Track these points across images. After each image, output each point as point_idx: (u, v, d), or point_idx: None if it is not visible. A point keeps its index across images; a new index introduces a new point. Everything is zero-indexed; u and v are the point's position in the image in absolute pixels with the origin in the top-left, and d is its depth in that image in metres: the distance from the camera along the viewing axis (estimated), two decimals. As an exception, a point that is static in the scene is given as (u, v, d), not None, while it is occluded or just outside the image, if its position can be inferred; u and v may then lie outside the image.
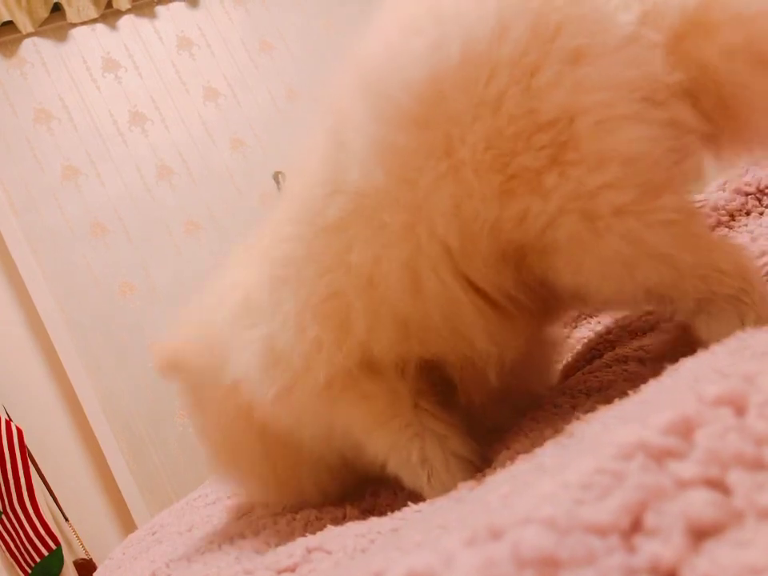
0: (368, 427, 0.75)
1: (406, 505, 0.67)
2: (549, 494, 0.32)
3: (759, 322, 0.64)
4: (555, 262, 0.65)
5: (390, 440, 0.74)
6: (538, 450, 0.57)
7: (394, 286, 0.67)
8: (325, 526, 0.71)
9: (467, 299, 0.68)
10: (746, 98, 0.63)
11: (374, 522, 0.65)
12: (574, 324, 1.28)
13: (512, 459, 0.62)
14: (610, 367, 1.01)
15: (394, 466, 0.74)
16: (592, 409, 0.58)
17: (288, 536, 0.76)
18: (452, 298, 0.67)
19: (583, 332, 1.25)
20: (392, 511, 0.67)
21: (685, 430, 0.32)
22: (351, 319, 0.69)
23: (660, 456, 0.31)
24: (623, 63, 0.59)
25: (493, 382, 0.74)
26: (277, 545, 0.73)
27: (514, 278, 0.68)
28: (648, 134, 0.60)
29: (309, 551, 0.61)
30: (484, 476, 0.67)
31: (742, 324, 0.64)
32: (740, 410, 0.33)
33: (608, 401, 0.57)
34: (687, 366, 0.52)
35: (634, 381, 0.72)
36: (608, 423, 0.47)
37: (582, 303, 0.78)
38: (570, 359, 1.11)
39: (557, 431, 0.61)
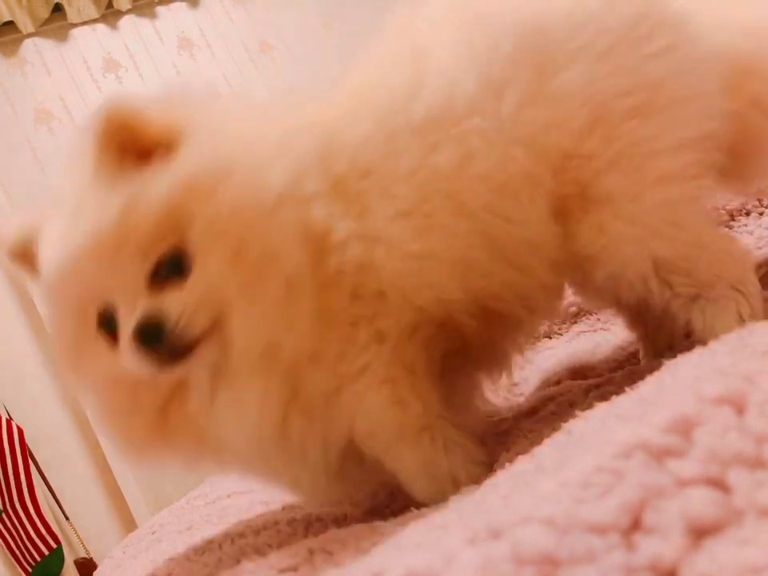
0: (395, 438, 0.70)
1: (405, 504, 0.67)
2: (548, 493, 0.32)
3: (753, 315, 0.66)
4: (584, 219, 0.69)
5: (420, 456, 0.69)
6: (536, 450, 0.57)
7: (475, 196, 0.67)
8: (326, 528, 0.71)
9: (544, 221, 0.70)
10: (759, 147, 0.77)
11: (377, 525, 0.65)
12: (573, 320, 1.29)
13: (511, 461, 0.62)
14: (607, 363, 1.01)
15: (422, 483, 0.70)
16: (590, 406, 0.58)
17: (289, 536, 0.76)
18: (529, 218, 0.69)
19: (582, 327, 1.25)
20: (392, 511, 0.67)
21: (685, 428, 0.32)
22: (434, 228, 0.67)
23: (660, 454, 0.31)
24: (707, 59, 0.71)
25: (527, 333, 0.81)
26: (278, 545, 0.73)
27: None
28: (719, 122, 0.69)
29: (311, 552, 0.61)
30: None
31: (739, 314, 0.66)
32: (740, 408, 0.33)
33: (605, 398, 0.57)
34: (687, 364, 0.52)
35: (632, 377, 0.72)
36: (607, 421, 0.47)
37: (580, 282, 0.78)
38: (568, 355, 1.11)
39: (555, 430, 0.61)
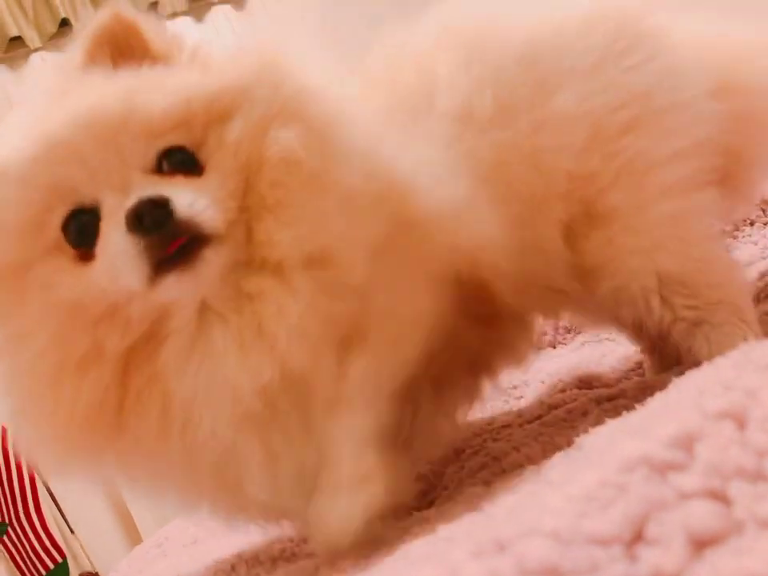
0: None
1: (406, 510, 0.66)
2: (553, 506, 0.33)
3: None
4: (592, 234, 0.69)
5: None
6: (544, 463, 0.58)
7: (505, 186, 0.67)
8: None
9: (555, 243, 0.70)
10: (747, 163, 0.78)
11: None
12: (577, 329, 1.29)
13: (521, 464, 0.62)
14: (614, 373, 1.01)
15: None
16: (600, 418, 0.58)
17: (303, 558, 0.76)
18: (544, 235, 0.70)
19: (586, 337, 1.25)
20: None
21: (687, 443, 0.33)
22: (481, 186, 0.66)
23: (662, 468, 0.32)
24: (688, 66, 0.71)
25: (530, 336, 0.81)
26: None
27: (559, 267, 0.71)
28: (712, 125, 0.69)
29: (317, 568, 0.62)
30: (494, 478, 0.66)
31: (744, 339, 0.65)
32: (741, 423, 0.33)
33: (617, 411, 0.57)
34: (692, 378, 0.53)
35: (644, 390, 0.72)
36: (614, 436, 0.48)
37: (580, 299, 0.75)
38: (574, 365, 1.11)
39: (565, 437, 0.61)
